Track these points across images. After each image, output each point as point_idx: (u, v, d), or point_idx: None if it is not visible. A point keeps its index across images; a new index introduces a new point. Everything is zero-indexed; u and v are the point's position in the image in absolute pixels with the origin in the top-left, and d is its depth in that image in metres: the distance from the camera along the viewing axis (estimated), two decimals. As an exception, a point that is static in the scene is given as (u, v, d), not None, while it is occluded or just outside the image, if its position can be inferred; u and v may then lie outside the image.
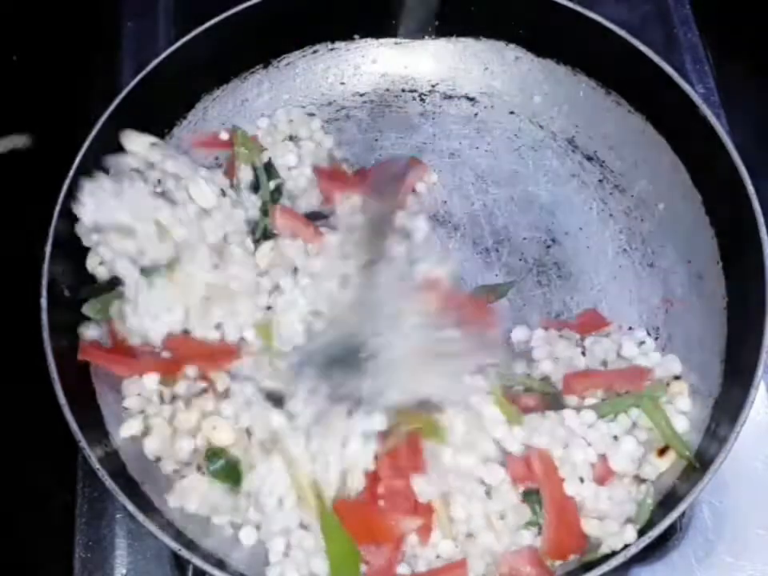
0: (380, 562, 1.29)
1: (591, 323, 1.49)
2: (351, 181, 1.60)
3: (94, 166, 1.44)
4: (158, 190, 1.42)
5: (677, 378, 1.41)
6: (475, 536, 1.31)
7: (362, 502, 1.32)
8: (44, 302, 1.36)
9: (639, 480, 1.33)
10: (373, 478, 1.33)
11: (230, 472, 1.34)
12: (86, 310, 1.45)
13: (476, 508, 1.31)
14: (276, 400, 1.37)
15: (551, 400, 1.40)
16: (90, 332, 1.44)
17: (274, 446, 1.34)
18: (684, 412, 1.38)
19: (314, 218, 1.55)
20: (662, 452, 1.34)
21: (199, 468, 1.34)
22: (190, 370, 1.41)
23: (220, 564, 1.27)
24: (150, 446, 1.37)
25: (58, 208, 1.42)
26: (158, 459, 1.37)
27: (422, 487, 1.31)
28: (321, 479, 1.32)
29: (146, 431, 1.38)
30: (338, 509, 1.31)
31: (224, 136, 1.63)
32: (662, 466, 1.34)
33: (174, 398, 1.40)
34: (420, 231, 1.50)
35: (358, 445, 1.33)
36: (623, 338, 1.45)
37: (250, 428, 1.36)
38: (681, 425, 1.36)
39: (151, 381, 1.40)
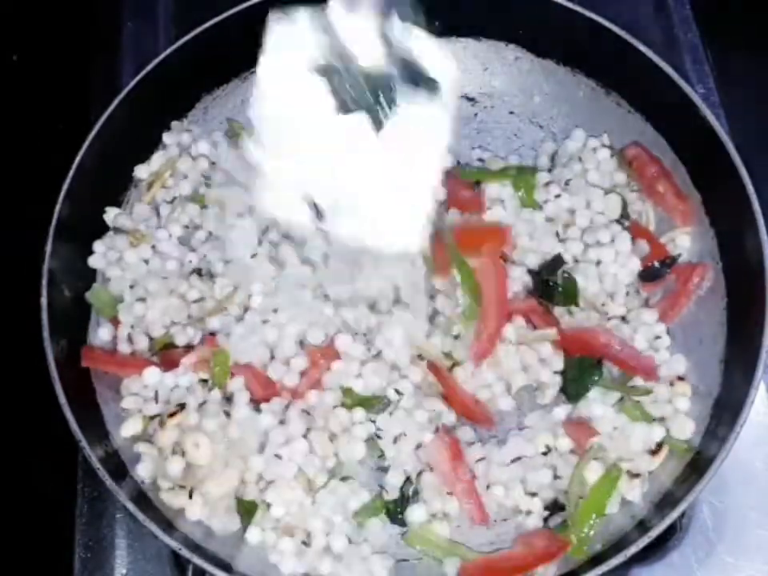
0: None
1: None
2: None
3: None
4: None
5: (681, 378, 1.41)
6: None
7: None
8: (44, 301, 1.36)
9: (632, 475, 1.34)
10: None
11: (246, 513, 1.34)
12: (89, 296, 1.46)
13: None
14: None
15: None
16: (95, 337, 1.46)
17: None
18: (684, 412, 1.38)
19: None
20: (656, 450, 1.36)
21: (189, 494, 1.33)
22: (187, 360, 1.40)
23: (221, 564, 1.27)
24: (143, 473, 1.35)
25: (58, 208, 1.42)
26: (154, 481, 1.35)
27: None
28: None
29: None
30: None
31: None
32: (654, 463, 1.35)
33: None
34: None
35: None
36: (639, 328, 1.44)
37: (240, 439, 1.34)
38: (683, 425, 1.37)
39: (152, 375, 1.40)
